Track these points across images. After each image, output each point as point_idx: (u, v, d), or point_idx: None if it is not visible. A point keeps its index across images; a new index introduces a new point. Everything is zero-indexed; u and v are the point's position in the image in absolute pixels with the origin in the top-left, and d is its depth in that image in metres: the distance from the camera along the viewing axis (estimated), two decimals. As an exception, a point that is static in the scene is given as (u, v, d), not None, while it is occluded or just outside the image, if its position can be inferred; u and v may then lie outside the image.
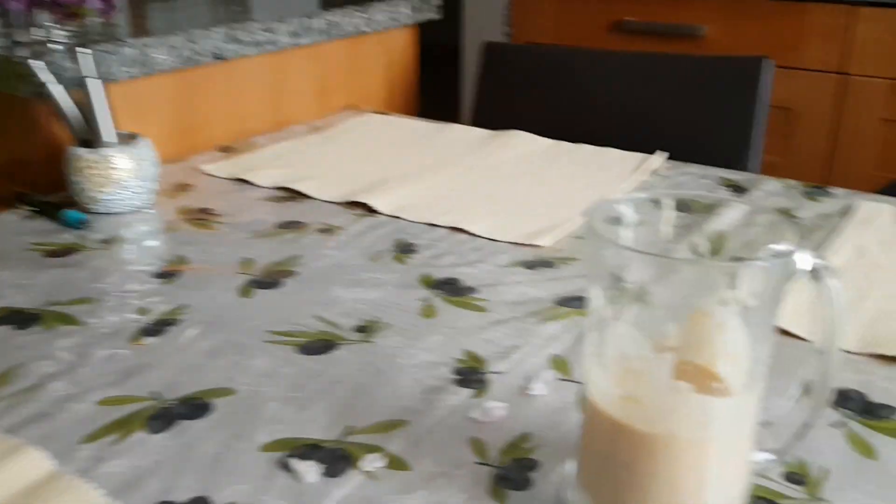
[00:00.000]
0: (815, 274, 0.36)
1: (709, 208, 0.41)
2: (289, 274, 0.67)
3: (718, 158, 0.99)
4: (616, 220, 0.38)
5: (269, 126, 1.08)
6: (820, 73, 1.61)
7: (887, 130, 1.57)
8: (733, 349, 0.36)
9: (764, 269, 0.35)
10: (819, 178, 1.67)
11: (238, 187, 0.87)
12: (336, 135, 1.04)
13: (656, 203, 0.39)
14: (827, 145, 1.64)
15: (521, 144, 0.99)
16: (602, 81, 1.12)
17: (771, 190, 0.85)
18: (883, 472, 0.44)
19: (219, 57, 0.96)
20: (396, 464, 0.44)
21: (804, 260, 0.36)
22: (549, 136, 1.01)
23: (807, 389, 0.39)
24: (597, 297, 0.36)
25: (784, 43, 1.62)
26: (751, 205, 0.38)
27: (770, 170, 1.70)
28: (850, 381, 0.52)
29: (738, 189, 0.86)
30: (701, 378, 0.35)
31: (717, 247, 0.40)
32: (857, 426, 0.47)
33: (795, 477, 0.43)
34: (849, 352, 0.55)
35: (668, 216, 0.39)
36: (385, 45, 1.24)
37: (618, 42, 1.80)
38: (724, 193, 0.85)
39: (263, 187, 0.87)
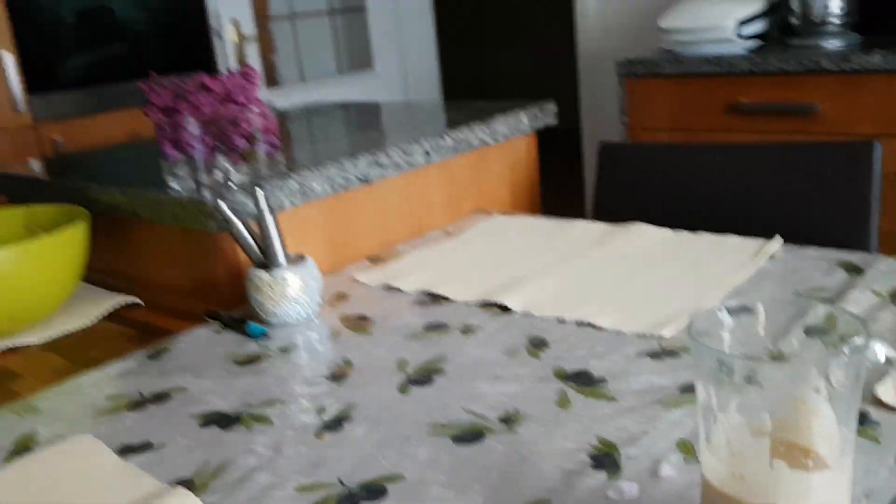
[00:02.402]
0: (891, 363, 0.43)
1: (797, 313, 0.48)
2: (438, 371, 0.77)
3: (837, 240, 1.03)
4: (718, 325, 0.46)
5: (409, 234, 1.21)
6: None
7: None
8: (825, 429, 0.42)
9: (845, 363, 0.42)
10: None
11: (387, 293, 0.99)
12: (468, 238, 1.15)
13: (749, 309, 0.46)
14: (960, 209, 1.62)
15: (642, 236, 1.07)
16: (716, 173, 1.19)
17: (886, 269, 0.89)
18: None
19: (364, 181, 1.10)
20: (544, 537, 0.52)
21: (880, 352, 0.42)
22: (666, 227, 1.08)
23: (902, 464, 0.45)
24: (702, 392, 0.44)
25: (902, 112, 1.63)
26: (831, 307, 0.45)
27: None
28: (960, 455, 0.56)
29: (855, 269, 0.90)
30: (796, 456, 0.42)
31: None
32: (966, 497, 0.51)
33: (905, 545, 0.48)
34: (961, 427, 0.58)
35: (762, 318, 0.46)
36: (508, 151, 1.36)
37: (733, 123, 1.86)
38: (841, 275, 0.89)
39: (409, 292, 0.99)
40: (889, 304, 0.81)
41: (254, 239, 0.92)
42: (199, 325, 0.94)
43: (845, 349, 0.43)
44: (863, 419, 0.62)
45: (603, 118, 2.62)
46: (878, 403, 0.62)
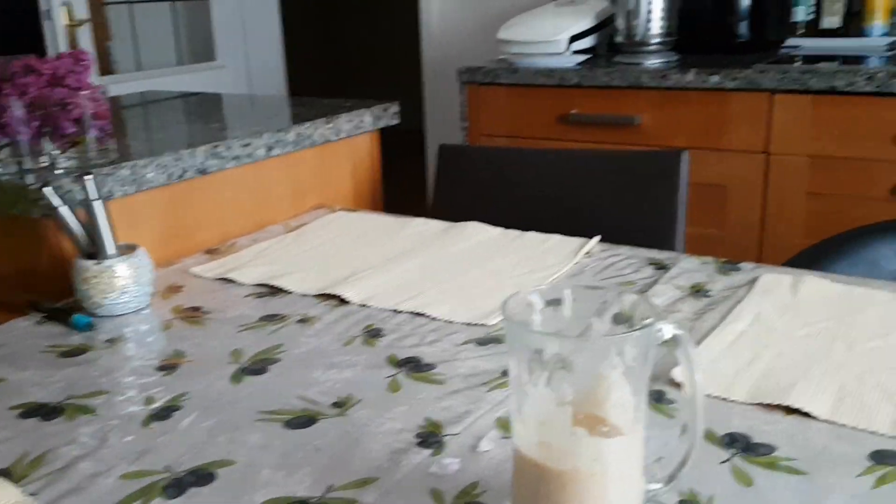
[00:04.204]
0: (675, 341, 0.48)
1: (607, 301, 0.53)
2: (273, 361, 0.78)
3: (648, 239, 1.12)
4: (530, 308, 0.51)
5: (250, 228, 1.20)
6: (746, 154, 1.78)
7: (811, 203, 1.73)
8: (620, 400, 0.48)
9: (637, 341, 0.47)
10: (754, 248, 1.82)
11: (224, 286, 0.99)
12: (309, 232, 1.16)
13: (558, 294, 0.51)
14: (759, 217, 1.80)
15: (474, 234, 1.12)
16: (546, 177, 1.26)
17: (688, 267, 0.98)
18: (757, 497, 0.55)
19: (203, 172, 1.09)
20: (370, 512, 0.55)
21: (667, 331, 0.48)
22: (500, 226, 1.14)
23: (684, 430, 0.51)
24: (515, 368, 0.48)
25: (712, 128, 1.79)
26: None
27: (708, 242, 1.85)
28: (737, 426, 0.63)
29: (660, 266, 0.99)
30: (593, 424, 0.47)
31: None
32: (740, 462, 0.59)
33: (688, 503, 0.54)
34: (739, 402, 0.66)
35: (569, 303, 0.51)
36: (351, 148, 1.38)
37: (565, 132, 1.97)
38: (649, 270, 0.98)
39: (246, 284, 0.98)
40: (688, 297, 0.90)
41: (81, 227, 0.89)
42: (20, 316, 0.90)
43: (636, 330, 0.48)
44: (660, 397, 0.69)
45: (446, 122, 2.69)
46: (674, 385, 0.69)
